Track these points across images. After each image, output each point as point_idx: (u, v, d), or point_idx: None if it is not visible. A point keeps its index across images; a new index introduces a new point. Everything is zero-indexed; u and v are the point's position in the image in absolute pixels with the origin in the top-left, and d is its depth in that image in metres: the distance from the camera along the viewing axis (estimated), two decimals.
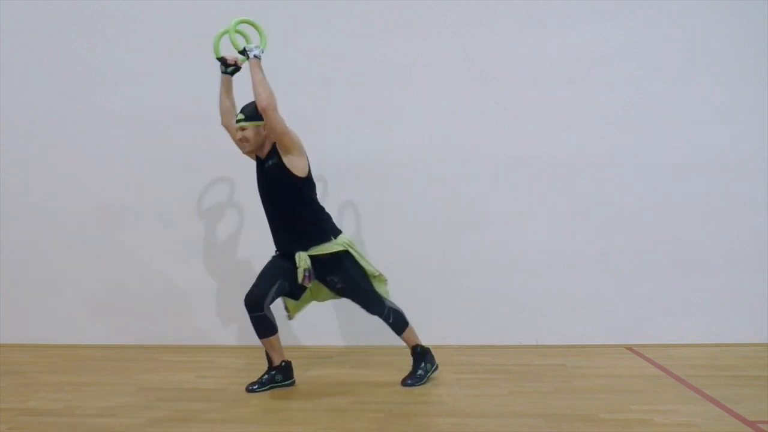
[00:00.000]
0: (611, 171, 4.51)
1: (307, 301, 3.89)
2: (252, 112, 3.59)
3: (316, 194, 3.74)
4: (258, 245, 4.55)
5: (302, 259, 3.59)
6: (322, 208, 3.75)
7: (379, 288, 3.77)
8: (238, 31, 3.64)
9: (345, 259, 3.66)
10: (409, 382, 3.76)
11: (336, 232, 3.72)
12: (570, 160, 4.51)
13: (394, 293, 4.56)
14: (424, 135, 4.54)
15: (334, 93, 4.52)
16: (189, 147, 4.61)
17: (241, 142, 3.65)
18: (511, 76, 4.51)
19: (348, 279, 3.68)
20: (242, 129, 3.60)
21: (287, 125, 3.55)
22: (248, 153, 3.74)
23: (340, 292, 3.76)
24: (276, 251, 3.78)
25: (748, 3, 4.43)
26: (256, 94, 3.48)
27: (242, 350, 4.53)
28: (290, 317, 3.88)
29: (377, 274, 3.75)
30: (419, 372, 3.79)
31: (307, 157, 3.66)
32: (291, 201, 3.61)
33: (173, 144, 4.63)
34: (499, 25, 4.51)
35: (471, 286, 4.56)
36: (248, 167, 4.58)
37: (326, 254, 3.63)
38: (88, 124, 4.66)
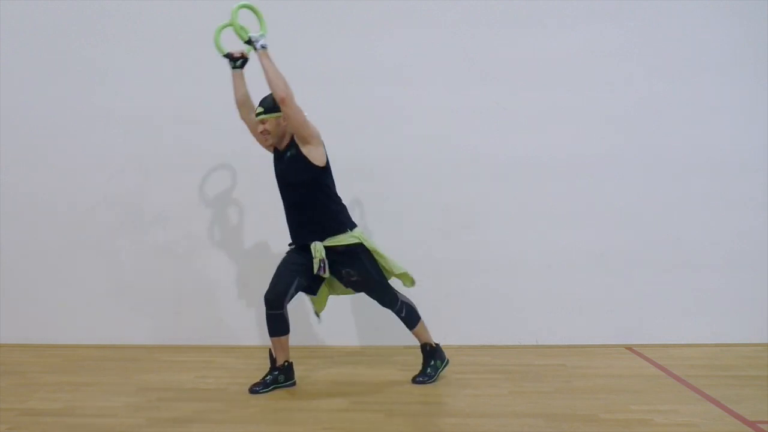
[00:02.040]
0: (611, 171, 4.51)
1: (325, 296, 3.88)
2: (270, 105, 3.59)
3: (334, 185, 3.73)
4: (258, 245, 4.56)
5: (317, 250, 3.60)
6: (340, 200, 3.75)
7: (404, 281, 3.80)
8: (235, 24, 3.55)
9: (361, 252, 3.67)
10: (419, 379, 3.78)
11: (352, 224, 3.73)
12: (570, 160, 4.51)
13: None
14: (424, 135, 4.54)
15: (334, 93, 4.51)
16: (189, 147, 4.61)
17: (262, 135, 3.66)
18: (511, 76, 4.51)
19: (363, 272, 3.68)
20: (263, 122, 3.62)
21: (305, 116, 3.56)
22: (269, 146, 3.73)
23: (354, 285, 3.75)
24: (290, 244, 3.76)
25: (748, 3, 4.43)
26: (272, 85, 3.48)
27: (242, 350, 4.53)
28: (319, 317, 3.90)
29: (400, 271, 3.76)
30: (428, 370, 3.81)
31: (324, 146, 3.66)
32: (309, 191, 3.62)
33: (173, 144, 4.63)
34: (499, 25, 4.51)
35: (471, 286, 4.56)
36: (248, 167, 4.59)
37: (342, 245, 3.64)
38: (88, 124, 4.66)
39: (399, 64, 4.53)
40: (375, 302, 4.55)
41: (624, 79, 4.48)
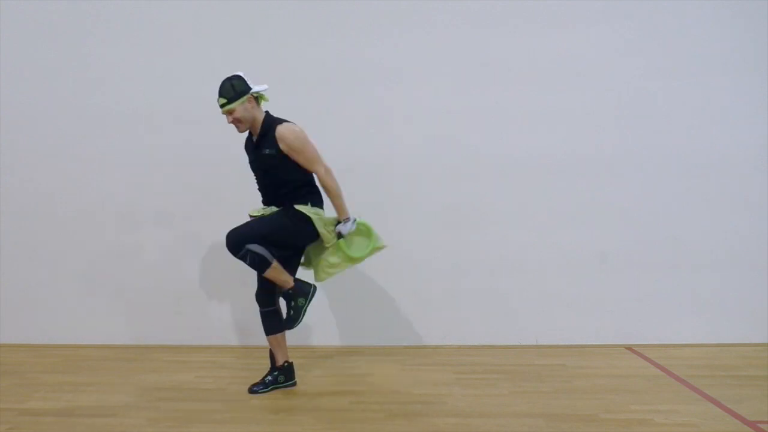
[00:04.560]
0: (612, 171, 4.51)
1: (318, 258, 3.73)
2: (230, 93, 3.50)
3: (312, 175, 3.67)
4: None
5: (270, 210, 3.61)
6: (314, 183, 3.67)
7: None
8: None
9: (296, 216, 3.56)
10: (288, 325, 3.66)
11: (316, 202, 3.65)
12: (570, 159, 4.50)
13: (395, 292, 4.58)
14: (424, 135, 4.54)
15: (333, 93, 4.52)
16: (189, 147, 4.61)
17: (234, 124, 3.58)
18: (511, 76, 4.51)
19: (273, 218, 3.57)
20: (230, 112, 3.54)
21: (322, 159, 3.58)
22: (244, 131, 3.65)
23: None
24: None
25: (748, 3, 4.43)
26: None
27: (242, 350, 4.53)
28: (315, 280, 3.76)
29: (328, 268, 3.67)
30: (292, 312, 3.63)
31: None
32: (285, 178, 3.59)
33: (173, 144, 4.63)
34: (499, 25, 4.50)
35: (471, 286, 4.56)
36: (248, 166, 4.57)
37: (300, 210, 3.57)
38: (88, 124, 4.65)
39: (399, 64, 4.53)
40: (374, 302, 4.58)
41: (625, 79, 4.48)
